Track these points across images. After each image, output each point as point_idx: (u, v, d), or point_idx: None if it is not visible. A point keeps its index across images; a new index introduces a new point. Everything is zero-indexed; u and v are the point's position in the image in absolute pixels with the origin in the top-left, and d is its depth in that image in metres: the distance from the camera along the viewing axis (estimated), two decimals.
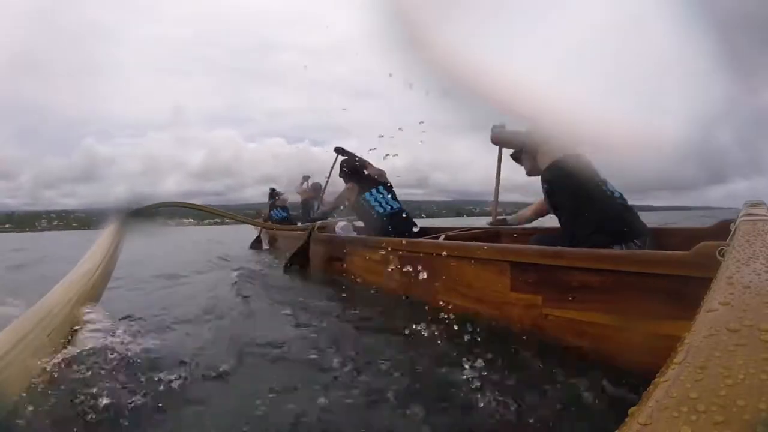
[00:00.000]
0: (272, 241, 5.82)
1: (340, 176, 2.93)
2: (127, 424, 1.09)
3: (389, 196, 2.71)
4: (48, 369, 1.14)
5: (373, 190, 2.70)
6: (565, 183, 1.50)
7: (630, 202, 1.53)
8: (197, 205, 2.89)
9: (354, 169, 2.82)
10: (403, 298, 2.04)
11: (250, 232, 6.58)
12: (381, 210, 2.64)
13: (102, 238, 2.44)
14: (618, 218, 1.45)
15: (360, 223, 2.96)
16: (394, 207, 2.69)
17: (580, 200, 1.47)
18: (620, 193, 1.52)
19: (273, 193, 6.32)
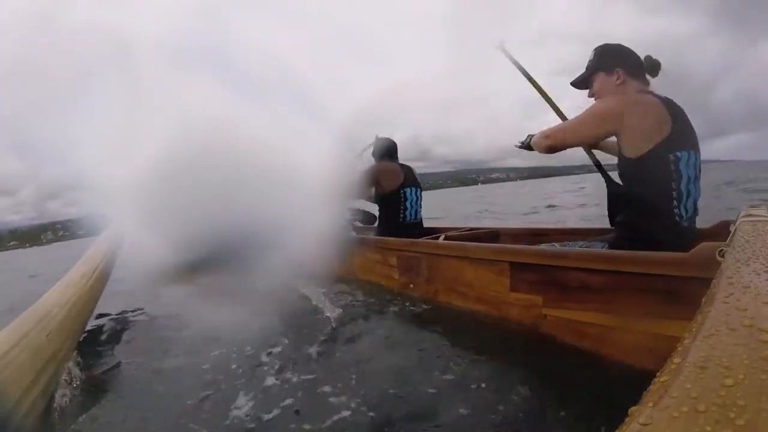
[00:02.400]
0: None
1: (373, 155, 2.52)
2: (126, 423, 1.09)
3: (419, 202, 2.43)
4: (48, 370, 1.14)
5: (412, 190, 2.39)
6: (635, 187, 1.19)
7: None
8: None
9: (392, 149, 2.46)
10: (403, 298, 2.04)
11: None
12: (409, 217, 2.39)
13: (100, 241, 2.44)
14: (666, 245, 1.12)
15: (362, 222, 2.87)
16: (418, 217, 2.45)
17: (641, 212, 1.19)
18: (692, 212, 1.19)
19: None
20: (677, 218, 1.14)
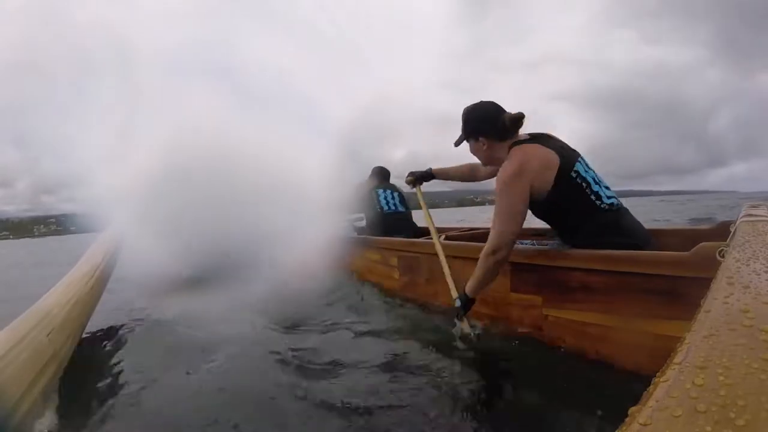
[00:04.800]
0: None
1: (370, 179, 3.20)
2: (127, 423, 1.09)
3: (398, 199, 2.91)
4: (48, 370, 1.14)
5: (387, 190, 2.93)
6: (561, 213, 1.28)
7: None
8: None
9: (383, 173, 3.12)
10: (403, 298, 2.04)
11: None
12: (386, 208, 2.83)
13: (101, 240, 2.43)
14: (619, 232, 1.23)
15: (362, 224, 3.00)
16: (399, 209, 2.86)
17: (574, 219, 1.26)
18: (617, 201, 1.28)
19: None
20: (607, 208, 1.24)
